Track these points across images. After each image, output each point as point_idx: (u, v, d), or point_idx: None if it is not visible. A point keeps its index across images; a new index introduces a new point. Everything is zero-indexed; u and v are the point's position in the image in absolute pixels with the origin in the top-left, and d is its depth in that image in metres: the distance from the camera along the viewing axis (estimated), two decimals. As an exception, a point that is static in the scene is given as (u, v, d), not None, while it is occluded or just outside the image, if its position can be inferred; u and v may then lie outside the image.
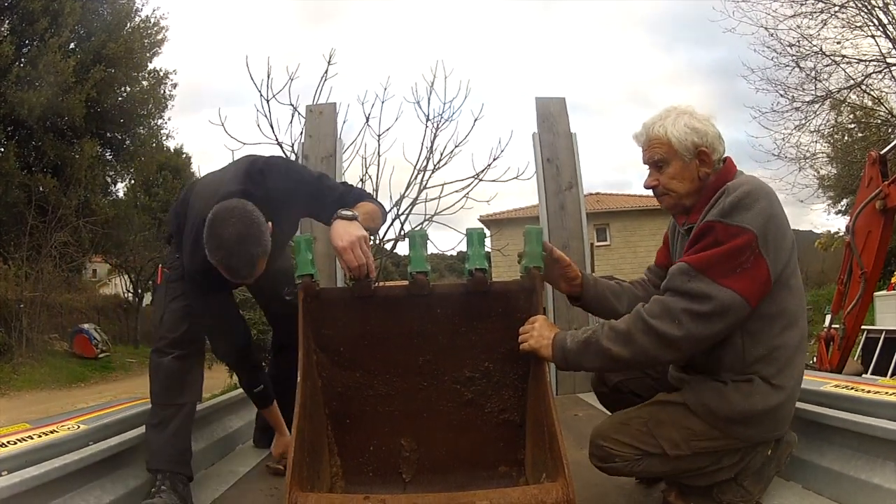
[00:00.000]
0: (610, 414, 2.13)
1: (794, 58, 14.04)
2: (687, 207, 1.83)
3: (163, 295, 2.36)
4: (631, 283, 2.10)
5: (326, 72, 6.04)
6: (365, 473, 1.98)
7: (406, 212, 7.60)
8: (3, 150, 15.94)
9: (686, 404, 1.75)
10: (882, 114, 14.52)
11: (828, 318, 5.85)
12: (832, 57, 13.77)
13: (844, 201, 18.18)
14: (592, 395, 4.42)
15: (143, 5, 19.41)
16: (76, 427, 2.18)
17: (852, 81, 13.91)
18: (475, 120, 7.57)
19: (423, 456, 1.98)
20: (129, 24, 18.89)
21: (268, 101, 5.54)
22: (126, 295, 21.68)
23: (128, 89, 18.60)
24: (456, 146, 7.63)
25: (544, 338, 1.78)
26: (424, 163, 7.63)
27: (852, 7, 13.39)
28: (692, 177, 1.78)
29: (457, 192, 7.44)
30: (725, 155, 1.81)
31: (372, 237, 2.19)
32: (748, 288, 1.60)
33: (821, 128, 15.01)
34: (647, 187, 1.87)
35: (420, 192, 7.57)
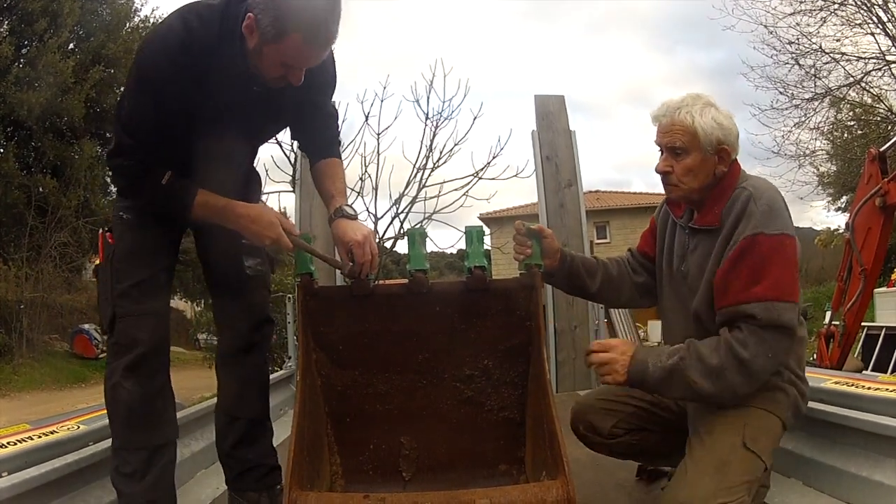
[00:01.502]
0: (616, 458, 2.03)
1: (793, 55, 14.08)
2: (694, 202, 1.77)
3: (108, 279, 1.78)
4: (609, 260, 2.05)
5: (325, 71, 6.02)
6: (365, 472, 1.97)
7: (405, 210, 7.60)
8: (2, 150, 15.95)
9: (754, 406, 1.65)
10: (881, 111, 14.54)
11: (828, 314, 5.86)
12: (832, 54, 13.81)
13: (844, 198, 18.18)
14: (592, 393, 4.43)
15: (142, 5, 19.45)
16: (76, 427, 2.18)
17: (852, 79, 13.94)
18: (474, 118, 7.57)
19: (422, 454, 1.98)
20: (128, 25, 18.87)
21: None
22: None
23: (127, 90, 18.61)
24: (455, 144, 7.63)
25: (619, 363, 1.66)
26: (424, 161, 7.62)
27: (852, 5, 13.41)
28: (708, 172, 1.71)
29: (456, 190, 7.44)
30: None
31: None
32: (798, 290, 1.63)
33: (820, 125, 15.05)
34: (659, 171, 1.77)
35: (419, 190, 7.56)
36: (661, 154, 1.76)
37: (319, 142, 1.98)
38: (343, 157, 2.10)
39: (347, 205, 1.88)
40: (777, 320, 1.56)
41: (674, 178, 1.73)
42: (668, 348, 1.66)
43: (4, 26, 16.14)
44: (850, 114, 15.27)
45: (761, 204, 1.61)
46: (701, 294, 1.70)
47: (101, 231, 1.85)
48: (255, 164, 2.09)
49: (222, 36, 1.57)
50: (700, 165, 1.70)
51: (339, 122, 2.06)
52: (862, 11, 13.46)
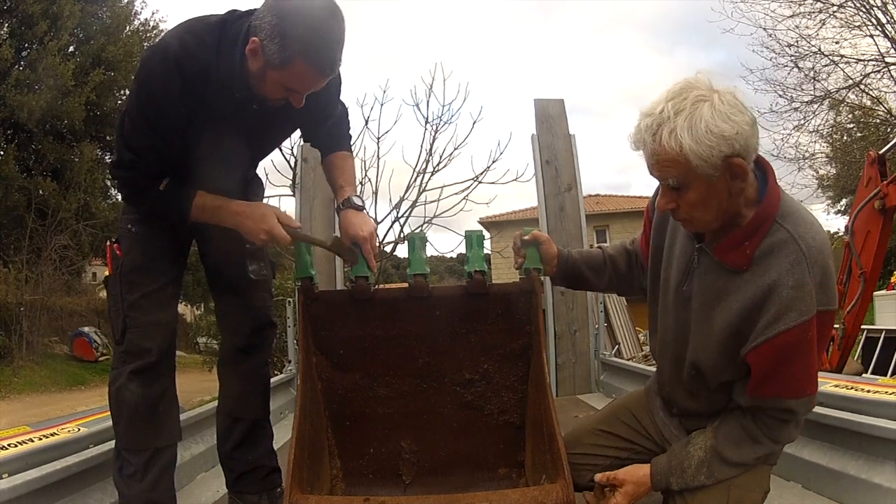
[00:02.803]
0: None
1: (792, 58, 14.08)
2: (713, 229, 1.44)
3: (118, 291, 1.80)
4: (619, 250, 1.84)
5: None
6: (365, 475, 1.97)
7: (405, 214, 7.62)
8: (2, 153, 15.98)
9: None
10: (881, 113, 14.55)
11: (828, 318, 5.84)
12: (831, 57, 13.81)
13: (844, 201, 18.23)
14: (592, 396, 4.46)
15: (142, 8, 19.57)
16: (77, 430, 2.19)
17: (851, 81, 13.93)
18: (474, 122, 7.61)
19: (423, 458, 1.98)
20: (128, 28, 18.96)
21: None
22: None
23: (127, 92, 18.58)
24: (455, 148, 7.66)
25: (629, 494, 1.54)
26: (424, 165, 7.66)
27: (851, 7, 13.41)
28: (721, 197, 1.34)
29: (456, 194, 7.47)
30: (768, 149, 1.50)
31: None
32: None
33: (820, 128, 15.05)
34: (662, 210, 1.46)
35: (419, 194, 7.60)
36: (662, 190, 1.43)
37: (329, 139, 2.01)
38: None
39: (356, 195, 1.91)
40: (811, 409, 1.48)
41: (682, 214, 1.41)
42: (687, 455, 1.51)
43: (4, 29, 16.19)
44: (850, 116, 15.29)
45: (816, 272, 1.32)
46: (708, 344, 1.47)
47: (108, 243, 1.87)
48: (255, 172, 2.11)
49: (221, 54, 1.58)
50: (708, 196, 1.34)
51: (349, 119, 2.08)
52: (861, 13, 13.47)
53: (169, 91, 1.56)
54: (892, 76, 13.66)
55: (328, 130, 1.99)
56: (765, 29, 14.17)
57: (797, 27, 13.83)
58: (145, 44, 18.75)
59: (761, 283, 1.34)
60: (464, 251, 1.88)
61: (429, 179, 7.62)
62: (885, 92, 14.23)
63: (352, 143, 2.10)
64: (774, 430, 1.45)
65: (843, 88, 14.16)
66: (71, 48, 17.33)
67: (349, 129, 2.08)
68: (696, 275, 1.49)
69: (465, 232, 1.90)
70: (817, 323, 1.32)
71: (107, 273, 1.89)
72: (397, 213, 7.60)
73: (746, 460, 1.47)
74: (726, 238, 1.40)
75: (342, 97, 1.99)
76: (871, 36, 13.59)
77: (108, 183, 18.40)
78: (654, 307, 1.67)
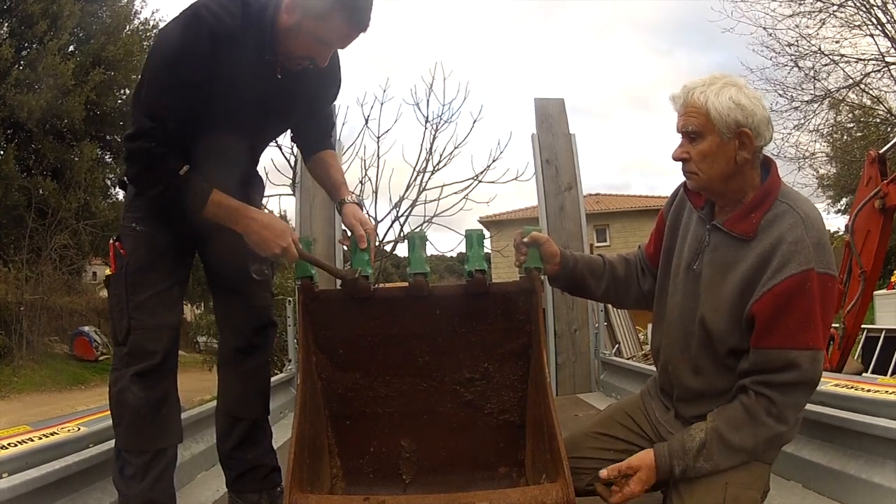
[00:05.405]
0: None
1: (792, 57, 14.06)
2: (716, 193, 1.61)
3: (123, 291, 1.76)
4: (617, 258, 1.94)
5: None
6: (365, 474, 1.97)
7: (405, 213, 7.61)
8: (2, 152, 15.97)
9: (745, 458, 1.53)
10: (881, 113, 14.54)
11: (828, 317, 5.84)
12: (831, 56, 13.79)
13: (844, 200, 18.25)
14: (592, 395, 4.46)
15: (142, 8, 19.54)
16: (77, 429, 2.19)
17: (851, 81, 13.92)
18: (474, 121, 7.61)
19: (423, 457, 1.98)
20: (128, 27, 18.92)
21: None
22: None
23: (127, 92, 18.56)
24: (455, 147, 7.66)
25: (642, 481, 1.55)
26: (424, 164, 7.66)
27: (851, 6, 13.40)
28: (727, 159, 1.52)
29: (456, 193, 7.46)
30: (768, 149, 1.61)
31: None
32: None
33: (820, 127, 15.04)
34: (675, 159, 1.61)
35: (419, 193, 7.59)
36: (681, 141, 1.61)
37: (318, 135, 2.08)
38: (343, 161, 2.19)
39: (353, 194, 2.02)
40: (816, 374, 1.47)
41: (692, 166, 1.57)
42: (689, 437, 1.53)
43: (4, 28, 16.18)
44: (850, 116, 15.28)
45: (812, 234, 1.46)
46: (717, 307, 1.55)
47: (111, 241, 1.83)
48: (257, 168, 2.13)
49: (247, 23, 1.64)
50: (717, 150, 1.52)
51: (339, 122, 2.18)
52: (861, 13, 13.46)
53: (195, 50, 1.59)
54: (892, 76, 13.65)
55: (318, 124, 2.06)
56: (765, 28, 14.16)
57: (797, 26, 13.82)
58: (145, 43, 18.73)
59: (765, 244, 1.49)
60: (464, 250, 1.88)
61: (429, 178, 7.62)
62: (886, 91, 14.23)
63: (342, 150, 2.25)
64: (776, 404, 1.46)
65: (843, 88, 14.16)
66: (71, 48, 17.31)
67: (333, 126, 2.20)
68: (706, 252, 1.61)
69: (466, 231, 1.90)
70: (818, 284, 1.43)
71: (108, 272, 1.83)
72: (397, 212, 7.59)
73: (747, 445, 1.48)
74: (735, 211, 1.57)
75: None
76: (871, 35, 13.59)
77: (108, 182, 18.40)
78: (662, 297, 1.74)
